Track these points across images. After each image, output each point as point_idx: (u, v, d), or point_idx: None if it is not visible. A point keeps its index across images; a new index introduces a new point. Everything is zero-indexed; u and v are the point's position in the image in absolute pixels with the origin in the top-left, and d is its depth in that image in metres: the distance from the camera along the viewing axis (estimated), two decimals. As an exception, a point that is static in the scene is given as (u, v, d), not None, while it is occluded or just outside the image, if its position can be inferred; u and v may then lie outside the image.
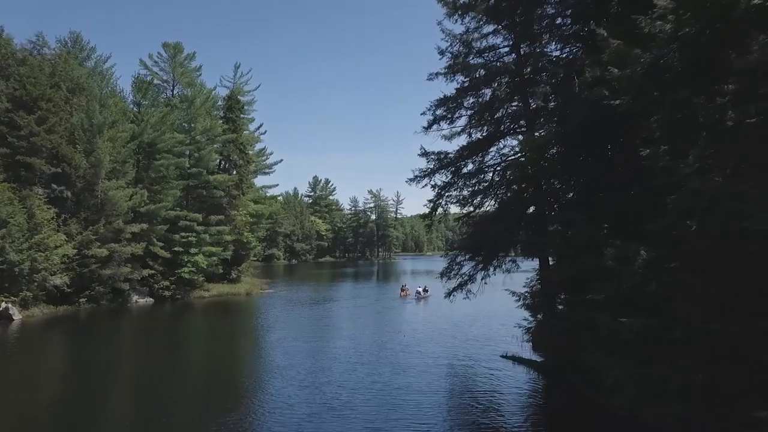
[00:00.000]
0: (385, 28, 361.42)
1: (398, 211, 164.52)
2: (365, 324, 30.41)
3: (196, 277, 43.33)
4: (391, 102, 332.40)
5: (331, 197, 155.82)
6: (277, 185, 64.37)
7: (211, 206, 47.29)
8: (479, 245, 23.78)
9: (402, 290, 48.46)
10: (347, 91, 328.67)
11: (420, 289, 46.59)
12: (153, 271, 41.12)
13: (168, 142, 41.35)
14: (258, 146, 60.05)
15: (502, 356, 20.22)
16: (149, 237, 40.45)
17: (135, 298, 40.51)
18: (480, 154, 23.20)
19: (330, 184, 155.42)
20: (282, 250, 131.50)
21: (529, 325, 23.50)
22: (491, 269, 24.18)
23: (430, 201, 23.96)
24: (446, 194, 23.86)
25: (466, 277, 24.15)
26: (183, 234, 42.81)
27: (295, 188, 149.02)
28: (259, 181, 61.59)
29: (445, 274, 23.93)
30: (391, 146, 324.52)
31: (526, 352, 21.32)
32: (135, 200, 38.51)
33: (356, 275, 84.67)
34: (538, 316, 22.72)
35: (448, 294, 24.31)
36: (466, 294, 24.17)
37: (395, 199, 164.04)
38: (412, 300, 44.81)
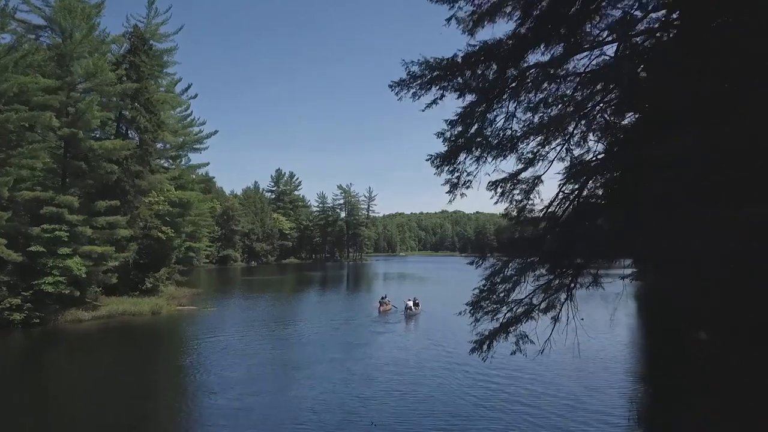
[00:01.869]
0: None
1: (370, 209, 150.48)
2: (311, 388, 16.83)
3: (68, 291, 28.83)
4: (364, 103, 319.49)
5: (296, 192, 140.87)
6: (208, 164, 48.98)
7: (105, 188, 32.87)
8: (557, 245, 10.86)
9: (381, 304, 35.31)
10: (319, 92, 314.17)
11: (410, 303, 33.65)
12: (-7, 284, 26.62)
13: (19, 85, 26.83)
14: (192, 123, 45.68)
15: None
16: (-16, 230, 25.96)
17: (-39, 325, 26.02)
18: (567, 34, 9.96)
19: (295, 179, 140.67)
20: (239, 251, 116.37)
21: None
22: (575, 292, 11.22)
23: (449, 125, 10.72)
24: (488, 114, 10.60)
25: (519, 310, 11.04)
26: (46, 226, 28.31)
27: (256, 182, 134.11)
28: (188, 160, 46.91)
29: (477, 307, 10.71)
30: (360, 149, 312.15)
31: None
32: (-49, 171, 23.98)
33: (323, 281, 70.91)
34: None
35: (480, 346, 11.17)
36: (518, 345, 11.01)
37: (367, 195, 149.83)
38: (397, 317, 31.98)
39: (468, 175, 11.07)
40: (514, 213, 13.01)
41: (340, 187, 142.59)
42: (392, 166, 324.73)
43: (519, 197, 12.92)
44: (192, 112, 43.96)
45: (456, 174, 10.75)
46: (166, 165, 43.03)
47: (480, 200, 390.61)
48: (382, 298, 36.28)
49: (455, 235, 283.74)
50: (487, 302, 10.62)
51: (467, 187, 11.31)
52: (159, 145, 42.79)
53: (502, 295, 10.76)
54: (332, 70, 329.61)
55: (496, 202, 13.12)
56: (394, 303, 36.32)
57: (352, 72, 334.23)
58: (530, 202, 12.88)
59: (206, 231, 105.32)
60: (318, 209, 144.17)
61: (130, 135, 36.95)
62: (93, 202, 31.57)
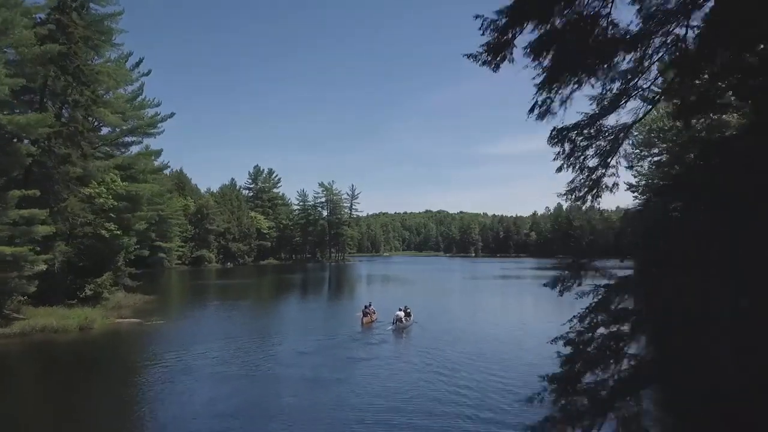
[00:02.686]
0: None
1: (353, 207, 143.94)
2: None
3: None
4: (347, 102, 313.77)
5: (275, 190, 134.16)
6: (161, 151, 41.73)
7: (27, 176, 26.69)
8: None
9: (364, 314, 29.85)
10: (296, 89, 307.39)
11: (401, 314, 28.33)
12: None
13: None
14: (144, 104, 39.27)
15: None
16: None
17: None
18: None
19: (274, 175, 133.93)
20: (214, 252, 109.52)
21: None
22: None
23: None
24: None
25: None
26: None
27: (233, 179, 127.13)
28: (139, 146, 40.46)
29: (570, 380, 4.95)
30: (343, 148, 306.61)
31: None
32: None
33: (303, 284, 64.94)
34: None
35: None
36: None
37: (350, 193, 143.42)
38: (384, 331, 26.64)
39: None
40: (584, 190, 7.69)
41: (321, 184, 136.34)
42: (376, 165, 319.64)
43: (593, 162, 7.59)
44: (144, 91, 37.78)
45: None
46: (111, 151, 36.69)
47: (464, 200, 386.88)
48: (366, 307, 30.68)
49: (439, 235, 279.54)
50: (590, 365, 5.09)
51: (547, 109, 5.87)
52: (107, 130, 36.70)
53: (612, 345, 5.20)
54: (315, 66, 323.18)
55: (560, 168, 7.68)
56: (381, 311, 31.00)
57: (336, 70, 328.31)
58: (608, 171, 7.60)
59: (178, 230, 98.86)
60: (298, 208, 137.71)
61: (45, 104, 30.50)
62: (7, 191, 25.37)
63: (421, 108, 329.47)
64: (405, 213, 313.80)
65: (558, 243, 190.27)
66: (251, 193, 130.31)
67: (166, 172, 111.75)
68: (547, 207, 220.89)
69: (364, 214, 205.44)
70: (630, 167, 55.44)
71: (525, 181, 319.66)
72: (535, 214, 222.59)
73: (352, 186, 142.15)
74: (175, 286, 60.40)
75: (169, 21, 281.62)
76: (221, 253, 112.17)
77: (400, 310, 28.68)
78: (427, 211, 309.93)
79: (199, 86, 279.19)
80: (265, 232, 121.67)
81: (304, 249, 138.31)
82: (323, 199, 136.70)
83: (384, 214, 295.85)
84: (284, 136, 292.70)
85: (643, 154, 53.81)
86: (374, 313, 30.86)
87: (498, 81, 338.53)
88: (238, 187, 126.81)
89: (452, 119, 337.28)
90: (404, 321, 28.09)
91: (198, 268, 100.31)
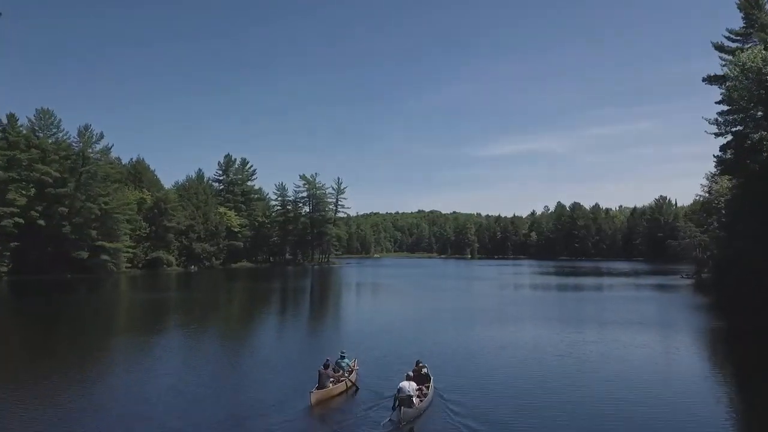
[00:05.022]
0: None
1: (339, 203, 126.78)
2: None
3: None
4: (337, 100, 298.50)
5: (250, 183, 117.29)
6: None
7: None
8: None
9: (323, 380, 14.01)
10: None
11: (408, 387, 12.15)
12: None
13: None
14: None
15: None
16: None
17: None
18: None
19: (248, 166, 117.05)
20: (175, 253, 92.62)
21: None
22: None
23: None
24: None
25: None
26: None
27: (200, 170, 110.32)
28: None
29: None
30: (333, 147, 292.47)
31: None
32: None
33: (280, 297, 49.01)
34: None
35: None
36: None
37: (335, 188, 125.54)
38: (360, 412, 10.75)
39: None
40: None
41: (303, 177, 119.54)
42: (366, 165, 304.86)
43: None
44: None
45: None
46: None
47: (456, 201, 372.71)
48: (331, 364, 14.85)
49: (432, 236, 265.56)
50: None
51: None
52: None
53: None
54: (305, 64, 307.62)
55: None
56: (369, 357, 15.65)
57: (326, 69, 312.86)
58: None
59: (128, 227, 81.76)
60: (277, 203, 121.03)
61: None
62: None
63: (413, 108, 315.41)
64: (397, 213, 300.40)
65: (561, 243, 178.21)
66: (221, 186, 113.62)
67: (124, 161, 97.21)
68: (546, 206, 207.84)
69: (353, 213, 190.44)
70: (721, 134, 40.49)
71: (517, 182, 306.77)
72: (533, 213, 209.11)
73: (338, 180, 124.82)
74: (69, 305, 42.90)
75: None
76: (183, 255, 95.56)
77: (408, 377, 12.83)
78: (419, 212, 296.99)
79: (186, 81, 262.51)
80: (236, 230, 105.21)
81: (283, 250, 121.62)
82: (305, 194, 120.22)
83: (375, 214, 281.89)
84: (270, 134, 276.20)
85: (734, 119, 38.36)
86: (351, 371, 15.17)
87: (491, 82, 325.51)
88: (206, 179, 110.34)
89: (443, 120, 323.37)
90: (414, 400, 12.29)
91: (153, 272, 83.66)
